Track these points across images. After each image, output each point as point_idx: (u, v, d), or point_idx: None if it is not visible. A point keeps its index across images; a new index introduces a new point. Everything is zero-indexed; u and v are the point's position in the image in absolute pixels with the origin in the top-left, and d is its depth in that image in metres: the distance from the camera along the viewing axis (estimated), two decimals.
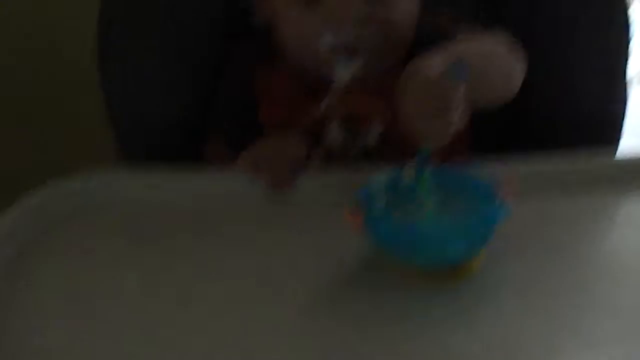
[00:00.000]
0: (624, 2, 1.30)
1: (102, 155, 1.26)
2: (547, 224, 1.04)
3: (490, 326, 0.87)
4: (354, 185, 1.00)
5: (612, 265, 0.99)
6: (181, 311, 0.91)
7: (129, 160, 1.28)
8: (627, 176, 1.11)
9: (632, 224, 1.06)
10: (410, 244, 0.93)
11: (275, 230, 1.05)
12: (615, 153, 1.29)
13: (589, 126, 1.28)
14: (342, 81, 1.12)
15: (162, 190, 1.12)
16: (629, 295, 0.92)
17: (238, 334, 0.87)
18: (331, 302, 0.93)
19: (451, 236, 0.93)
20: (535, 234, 1.02)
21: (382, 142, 1.17)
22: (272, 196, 1.09)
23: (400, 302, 0.91)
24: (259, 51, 1.22)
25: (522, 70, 1.11)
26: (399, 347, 0.85)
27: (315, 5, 1.12)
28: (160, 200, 1.11)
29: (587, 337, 0.85)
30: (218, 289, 0.95)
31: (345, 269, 0.97)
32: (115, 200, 1.12)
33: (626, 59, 1.29)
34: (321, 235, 1.01)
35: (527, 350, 0.84)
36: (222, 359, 0.85)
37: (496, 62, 1.09)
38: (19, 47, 1.82)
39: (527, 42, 1.25)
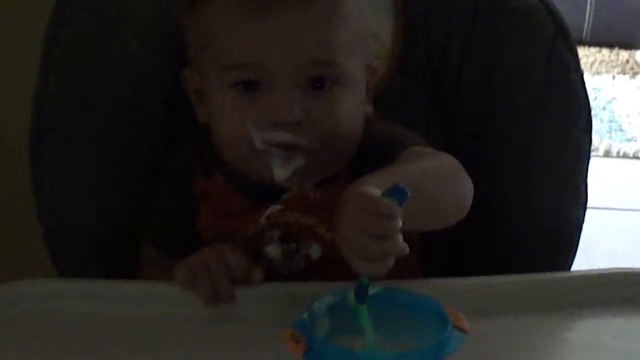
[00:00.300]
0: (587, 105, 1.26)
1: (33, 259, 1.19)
2: (500, 348, 0.99)
3: None
4: (297, 301, 0.96)
5: None
6: None
7: (59, 265, 1.22)
8: (579, 292, 1.07)
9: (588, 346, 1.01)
10: None
11: (212, 349, 0.99)
12: (569, 266, 1.26)
13: (544, 238, 1.24)
14: (281, 180, 1.07)
15: (92, 301, 1.06)
16: None
17: None
18: None
19: None
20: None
21: (325, 260, 1.11)
22: (210, 310, 1.03)
23: None
24: (198, 155, 1.17)
25: (470, 191, 1.05)
26: None
27: (253, 99, 1.05)
28: (89, 312, 1.04)
29: None
30: None
31: None
32: (44, 310, 1.05)
33: (586, 167, 1.26)
34: (261, 356, 0.95)
35: None
36: None
37: (441, 183, 1.03)
38: None
39: (480, 155, 1.25)
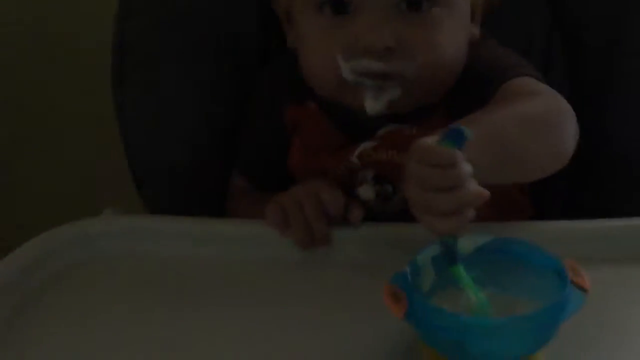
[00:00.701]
0: None
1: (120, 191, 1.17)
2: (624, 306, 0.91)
3: None
4: (403, 245, 0.89)
5: None
6: None
7: (146, 199, 1.17)
8: None
9: None
10: (458, 343, 0.79)
11: (305, 297, 0.93)
12: None
13: None
14: (374, 113, 1.00)
15: (180, 240, 1.01)
16: None
17: None
18: None
19: (508, 333, 0.79)
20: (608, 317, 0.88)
21: None
22: (304, 254, 0.98)
23: None
24: (289, 82, 1.10)
25: (573, 137, 0.95)
26: None
27: (342, 23, 0.99)
28: (176, 251, 1.00)
29: None
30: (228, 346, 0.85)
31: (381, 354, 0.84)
32: (131, 247, 1.01)
33: None
34: (359, 309, 0.88)
35: None
36: None
37: (533, 131, 0.92)
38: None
39: (606, 73, 1.15)
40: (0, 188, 1.73)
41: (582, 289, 0.82)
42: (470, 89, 1.00)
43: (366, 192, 1.05)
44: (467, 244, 0.86)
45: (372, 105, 0.99)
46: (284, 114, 1.10)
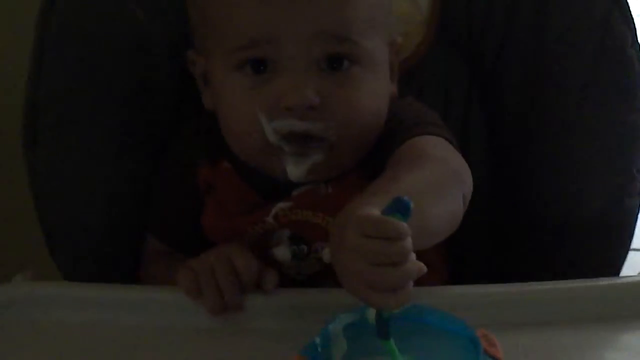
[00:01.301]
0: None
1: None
2: None
3: None
4: (314, 311, 0.90)
5: None
6: None
7: (60, 263, 1.15)
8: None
9: None
10: None
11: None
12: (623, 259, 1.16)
13: (595, 228, 1.14)
14: (295, 179, 0.99)
15: (90, 307, 0.99)
16: None
17: None
18: None
19: None
20: None
21: None
22: (216, 321, 0.96)
23: None
24: (203, 142, 1.09)
25: (465, 199, 0.95)
26: None
27: (263, 83, 0.98)
28: (86, 319, 0.98)
29: None
30: None
31: None
32: (40, 315, 0.99)
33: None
34: None
35: None
36: None
37: (438, 198, 0.91)
38: None
39: (525, 135, 1.16)
40: None
41: (495, 359, 0.81)
42: (383, 146, 1.00)
43: (282, 252, 1.04)
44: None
45: (294, 170, 0.99)
46: (198, 174, 1.08)
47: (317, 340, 0.82)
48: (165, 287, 1.00)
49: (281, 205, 1.03)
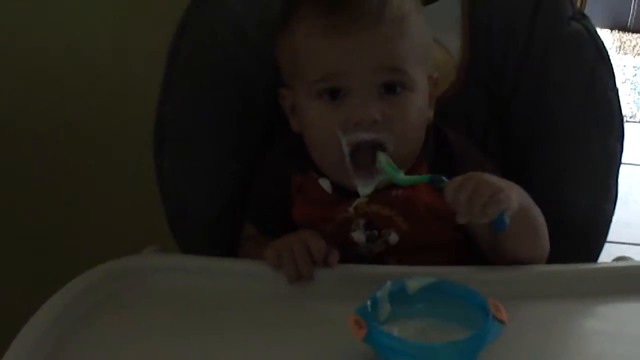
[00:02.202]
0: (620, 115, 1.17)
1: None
2: (532, 332, 0.93)
3: None
4: (368, 282, 0.92)
5: None
6: None
7: (179, 242, 1.18)
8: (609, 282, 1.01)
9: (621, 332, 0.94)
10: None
11: (294, 321, 0.95)
12: (600, 250, 1.18)
13: (577, 231, 1.16)
14: (364, 195, 1.03)
15: (199, 276, 1.03)
16: None
17: None
18: None
19: (445, 354, 0.83)
20: (522, 344, 0.90)
21: (400, 245, 1.07)
22: (293, 288, 1.00)
23: None
24: (294, 157, 1.11)
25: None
26: None
27: (338, 106, 1.01)
28: (197, 285, 1.01)
29: None
30: None
31: None
32: (156, 283, 1.02)
33: (617, 169, 1.17)
34: (332, 331, 0.89)
35: None
36: None
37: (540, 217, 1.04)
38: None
39: (529, 158, 1.18)
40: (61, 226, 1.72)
41: (501, 322, 0.85)
42: (443, 166, 1.03)
43: (359, 235, 1.07)
44: (414, 284, 0.90)
45: (363, 190, 1.02)
46: (292, 181, 1.11)
47: (368, 303, 0.86)
48: (255, 261, 1.03)
49: (360, 199, 1.05)
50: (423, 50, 1.06)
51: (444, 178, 0.95)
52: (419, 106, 1.04)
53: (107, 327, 0.94)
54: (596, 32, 1.16)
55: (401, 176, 1.00)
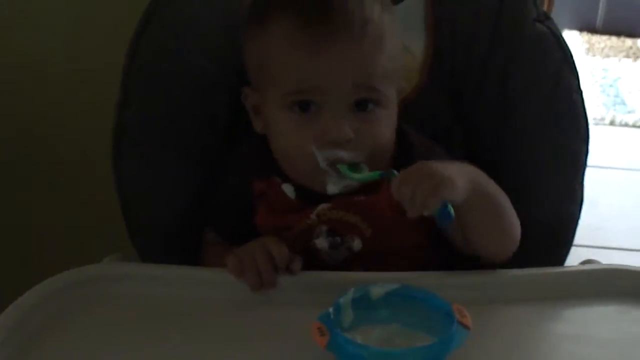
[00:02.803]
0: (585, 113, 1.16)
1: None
2: (499, 336, 0.93)
3: None
4: (330, 289, 0.91)
5: None
6: None
7: (139, 248, 1.16)
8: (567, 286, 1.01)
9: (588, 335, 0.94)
10: None
11: (256, 328, 0.95)
12: (566, 254, 1.18)
13: (544, 232, 1.16)
14: (332, 193, 1.02)
15: (159, 285, 1.01)
16: None
17: None
18: None
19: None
20: (489, 349, 0.90)
21: (364, 252, 1.06)
22: (255, 295, 0.98)
23: None
24: (256, 160, 1.10)
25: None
26: None
27: (309, 119, 1.00)
28: (157, 294, 1.00)
29: None
30: None
31: None
32: (116, 292, 1.01)
33: (583, 171, 1.17)
34: (295, 339, 0.88)
35: None
36: None
37: (503, 198, 1.03)
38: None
39: (495, 158, 1.17)
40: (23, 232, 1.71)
41: (466, 327, 0.85)
42: (406, 165, 1.01)
43: (322, 242, 1.06)
44: (378, 290, 0.90)
45: (332, 188, 1.02)
46: (253, 185, 1.09)
47: (331, 310, 0.86)
48: (217, 269, 1.01)
49: (322, 205, 1.05)
50: (396, 63, 1.05)
51: (394, 172, 0.94)
52: (389, 121, 1.04)
53: (66, 337, 0.93)
54: (561, 34, 1.16)
55: (355, 175, 0.99)
